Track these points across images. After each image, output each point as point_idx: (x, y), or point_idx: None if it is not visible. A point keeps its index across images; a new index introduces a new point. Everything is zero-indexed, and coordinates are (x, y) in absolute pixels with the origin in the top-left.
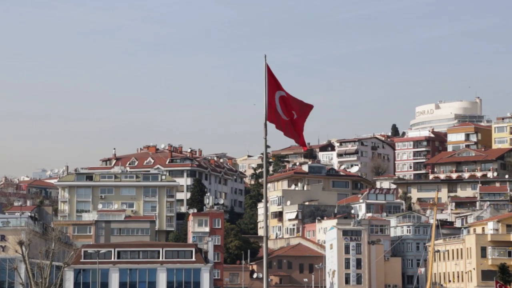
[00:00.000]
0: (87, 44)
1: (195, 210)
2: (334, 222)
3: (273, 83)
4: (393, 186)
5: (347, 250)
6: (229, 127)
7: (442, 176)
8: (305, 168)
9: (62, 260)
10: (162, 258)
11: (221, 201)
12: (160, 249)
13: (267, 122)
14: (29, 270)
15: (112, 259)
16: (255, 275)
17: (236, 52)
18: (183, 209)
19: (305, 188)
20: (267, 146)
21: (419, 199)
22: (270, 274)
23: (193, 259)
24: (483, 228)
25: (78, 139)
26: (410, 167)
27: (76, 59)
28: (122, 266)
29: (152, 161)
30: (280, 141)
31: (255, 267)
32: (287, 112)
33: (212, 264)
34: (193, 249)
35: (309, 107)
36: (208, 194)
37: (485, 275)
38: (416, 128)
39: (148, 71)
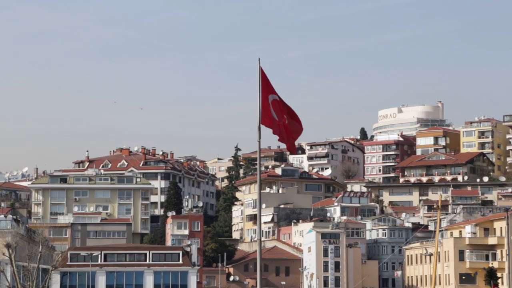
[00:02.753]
0: (46, 44)
1: (174, 213)
2: (310, 225)
3: (266, 86)
4: (364, 189)
5: (325, 253)
6: (197, 129)
7: (412, 180)
8: (278, 171)
9: (43, 263)
10: (149, 261)
11: (200, 204)
12: (147, 252)
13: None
14: (16, 273)
15: (99, 262)
16: (231, 278)
17: (196, 54)
18: (157, 211)
19: (280, 191)
20: (238, 149)
21: (391, 203)
22: (246, 277)
23: (180, 262)
24: (460, 231)
25: (31, 141)
26: (379, 171)
27: (37, 59)
28: (109, 269)
29: (126, 163)
30: (249, 144)
31: (231, 269)
32: (279, 116)
33: (199, 267)
34: (180, 252)
35: (296, 117)
36: (187, 197)
37: (463, 278)
38: (378, 131)
39: (108, 73)
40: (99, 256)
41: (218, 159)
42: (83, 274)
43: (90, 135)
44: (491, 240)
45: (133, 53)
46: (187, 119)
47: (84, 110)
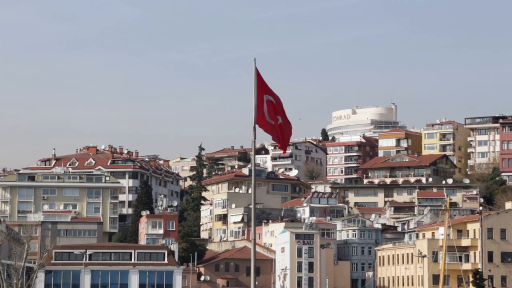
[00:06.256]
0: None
1: (148, 212)
2: (280, 225)
3: (261, 86)
4: (328, 190)
5: (299, 254)
6: (158, 128)
7: (376, 181)
8: (245, 171)
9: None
10: (135, 260)
11: (175, 203)
12: (132, 251)
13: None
14: (1, 271)
15: (84, 261)
16: (202, 278)
17: (146, 52)
18: (124, 210)
19: (249, 191)
20: (202, 149)
21: (356, 203)
22: (217, 277)
23: (166, 261)
24: (433, 233)
25: None
26: (342, 172)
27: None
28: (94, 267)
29: (93, 162)
30: (213, 144)
31: (202, 269)
32: (273, 116)
33: (184, 266)
34: (166, 251)
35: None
36: (162, 196)
37: (436, 279)
38: (334, 132)
39: (53, 69)
40: (84, 255)
41: (181, 158)
42: (68, 273)
43: (40, 131)
44: (464, 242)
45: (80, 49)
46: (148, 118)
47: (38, 106)
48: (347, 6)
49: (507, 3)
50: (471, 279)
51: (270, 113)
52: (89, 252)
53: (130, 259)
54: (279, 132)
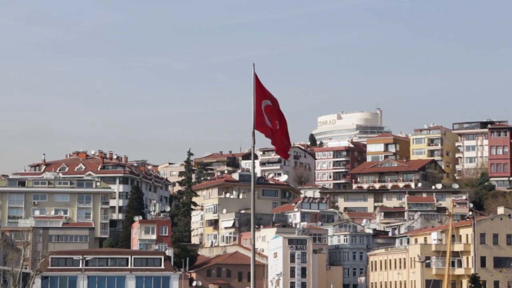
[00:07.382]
0: None
1: (141, 217)
2: (272, 230)
3: (260, 91)
4: (318, 195)
5: (292, 259)
6: (146, 133)
7: (365, 186)
8: (235, 176)
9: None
10: (131, 265)
11: (168, 209)
12: (129, 257)
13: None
14: None
15: (81, 266)
16: (194, 283)
17: (131, 57)
18: (115, 216)
19: (240, 196)
20: (190, 154)
21: (346, 209)
22: (209, 282)
23: (162, 266)
24: (425, 238)
25: None
26: (330, 177)
27: None
28: (90, 273)
29: (84, 167)
30: (201, 149)
31: (194, 275)
32: (272, 121)
33: (181, 272)
34: (162, 257)
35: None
36: (155, 201)
37: (429, 285)
38: (318, 138)
39: (37, 73)
40: (82, 260)
41: (170, 163)
42: (65, 279)
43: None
44: (457, 247)
45: (64, 54)
46: (136, 123)
47: (27, 111)
48: (332, 11)
49: (494, 9)
50: (466, 285)
51: (269, 118)
52: (86, 257)
53: (127, 265)
54: (278, 137)
